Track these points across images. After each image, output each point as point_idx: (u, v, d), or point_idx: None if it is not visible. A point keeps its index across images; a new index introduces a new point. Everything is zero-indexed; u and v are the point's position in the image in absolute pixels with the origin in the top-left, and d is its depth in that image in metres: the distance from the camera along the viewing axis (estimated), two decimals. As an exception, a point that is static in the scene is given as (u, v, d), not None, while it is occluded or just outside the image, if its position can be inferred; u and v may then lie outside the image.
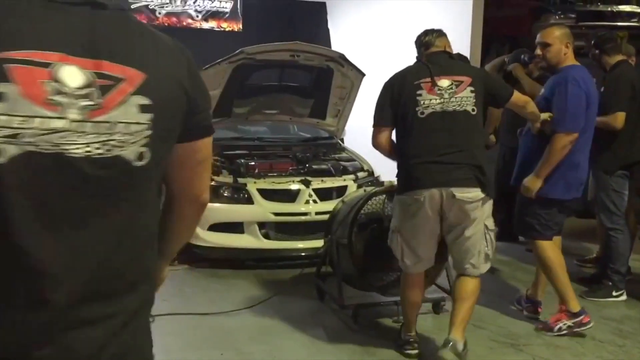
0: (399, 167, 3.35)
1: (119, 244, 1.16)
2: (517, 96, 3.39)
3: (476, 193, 3.12)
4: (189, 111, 1.24)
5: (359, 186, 5.14)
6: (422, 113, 3.15)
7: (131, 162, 1.14)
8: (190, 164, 1.32)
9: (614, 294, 4.35)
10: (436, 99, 3.16)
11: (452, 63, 3.34)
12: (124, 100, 1.11)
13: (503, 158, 5.34)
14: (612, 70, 4.40)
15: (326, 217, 4.44)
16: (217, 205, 4.94)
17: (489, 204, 3.24)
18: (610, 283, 4.37)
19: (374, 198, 4.07)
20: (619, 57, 4.44)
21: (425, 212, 3.14)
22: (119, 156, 1.12)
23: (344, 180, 5.24)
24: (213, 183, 4.95)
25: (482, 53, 6.30)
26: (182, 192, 1.37)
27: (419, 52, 3.43)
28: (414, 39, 3.49)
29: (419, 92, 3.17)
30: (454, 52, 3.58)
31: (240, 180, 4.99)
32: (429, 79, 3.18)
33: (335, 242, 4.01)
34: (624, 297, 4.35)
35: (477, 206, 3.14)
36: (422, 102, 3.16)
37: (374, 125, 3.36)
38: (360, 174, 5.39)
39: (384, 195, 4.10)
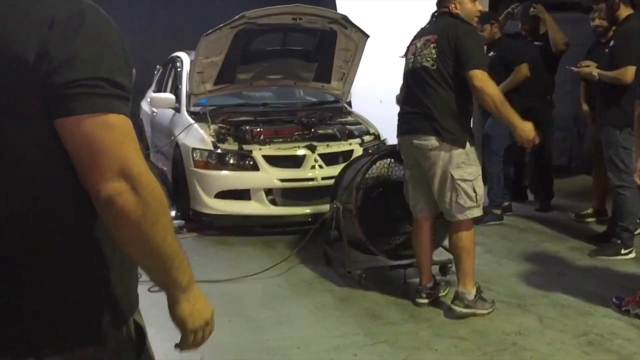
0: None
1: None
2: (478, 75, 3.26)
3: (431, 141, 3.32)
4: (47, 80, 1.08)
5: (365, 150, 5.11)
6: (404, 70, 3.60)
7: None
8: (69, 148, 1.11)
9: (623, 251, 4.33)
10: (411, 58, 3.51)
11: (436, 23, 3.50)
12: None
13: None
14: (623, 24, 4.29)
15: (332, 182, 4.43)
16: (223, 172, 4.95)
17: (454, 154, 3.30)
18: (619, 241, 4.35)
19: (380, 162, 4.05)
20: (630, 10, 4.32)
21: (405, 159, 3.58)
22: None
23: (350, 144, 5.20)
24: (218, 151, 4.95)
25: (490, 8, 6.15)
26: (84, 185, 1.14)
27: None
28: None
29: (407, 52, 3.59)
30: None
31: (246, 147, 4.97)
32: (414, 40, 3.53)
33: (341, 207, 4.01)
34: (632, 255, 4.33)
35: (437, 155, 3.32)
36: (406, 61, 3.58)
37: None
38: (367, 138, 5.35)
39: (390, 159, 4.07)
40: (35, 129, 1.12)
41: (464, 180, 3.33)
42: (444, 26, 3.41)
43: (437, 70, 3.34)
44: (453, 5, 3.44)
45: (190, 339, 1.33)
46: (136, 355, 1.33)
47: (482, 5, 6.20)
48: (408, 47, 3.60)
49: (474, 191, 3.35)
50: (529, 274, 4.12)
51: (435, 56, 3.35)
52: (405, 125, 3.50)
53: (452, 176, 3.32)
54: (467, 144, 3.34)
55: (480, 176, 3.43)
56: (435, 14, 3.54)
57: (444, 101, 3.34)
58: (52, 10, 1.11)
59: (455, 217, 3.40)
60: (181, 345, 1.35)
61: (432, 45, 3.38)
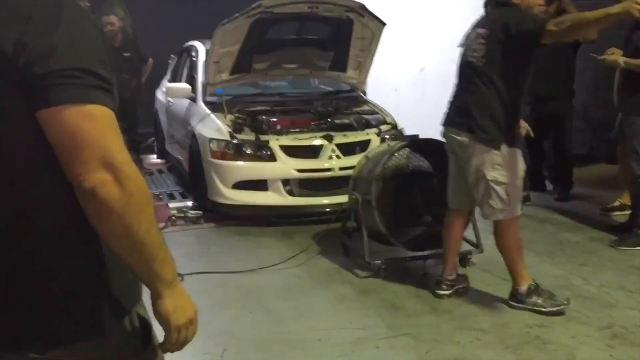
0: None
1: None
2: (551, 28, 3.01)
3: (465, 139, 3.29)
4: (27, 71, 1.08)
5: (382, 140, 5.08)
6: (459, 60, 3.45)
7: None
8: (51, 140, 1.11)
9: (645, 242, 4.28)
10: (463, 49, 3.40)
11: (491, 14, 3.34)
12: None
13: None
14: None
15: (350, 172, 4.40)
16: (240, 163, 4.94)
17: (489, 155, 3.23)
18: (641, 231, 4.30)
19: (398, 152, 4.02)
20: None
21: (447, 149, 3.53)
22: None
23: (367, 134, 5.17)
24: (235, 141, 4.94)
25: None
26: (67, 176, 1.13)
27: None
28: None
29: (463, 41, 3.46)
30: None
31: (263, 137, 4.96)
32: (470, 30, 3.41)
33: (360, 198, 3.99)
34: (655, 246, 4.28)
35: (471, 152, 3.28)
36: (460, 51, 3.44)
37: None
38: (384, 127, 5.31)
39: (408, 149, 4.04)
40: (19, 122, 1.12)
41: (498, 183, 3.25)
42: (496, 18, 3.24)
43: (483, 68, 3.23)
44: None
45: (173, 337, 1.29)
46: (142, 348, 1.33)
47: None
48: (465, 36, 3.47)
49: (507, 194, 3.27)
50: (549, 265, 4.09)
51: (483, 53, 3.23)
52: (446, 117, 3.47)
53: (485, 176, 3.26)
54: (504, 146, 3.24)
55: (520, 179, 3.35)
56: (492, 2, 3.35)
57: (485, 100, 3.24)
58: (29, 3, 1.11)
59: (486, 216, 3.40)
60: (164, 345, 1.32)
61: (481, 41, 3.25)
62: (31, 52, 1.08)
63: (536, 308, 3.35)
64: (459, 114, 3.34)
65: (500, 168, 3.25)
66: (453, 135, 3.37)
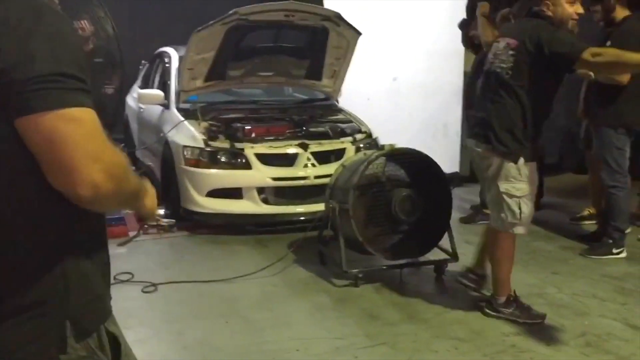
0: None
1: None
2: (586, 57, 2.97)
3: (483, 150, 3.29)
4: (3, 79, 1.05)
5: (357, 149, 5.09)
6: (484, 68, 3.42)
7: None
8: (34, 148, 1.08)
9: (614, 251, 4.37)
10: (490, 58, 3.34)
11: (521, 24, 3.30)
12: None
13: None
14: (620, 25, 4.31)
15: (325, 180, 4.41)
16: (214, 171, 4.89)
17: (505, 167, 3.20)
18: (611, 240, 4.39)
19: (375, 161, 4.03)
20: (626, 12, 4.33)
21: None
22: None
23: (342, 142, 5.18)
24: (209, 149, 4.89)
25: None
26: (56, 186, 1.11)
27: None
28: None
29: (490, 49, 3.43)
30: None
31: (237, 145, 4.92)
32: (498, 39, 3.36)
33: (337, 207, 3.98)
34: (624, 254, 4.38)
35: (488, 164, 3.28)
36: (487, 59, 3.41)
37: None
38: (358, 136, 5.33)
39: (384, 158, 4.05)
40: None
41: (510, 196, 3.23)
42: (527, 29, 3.14)
43: (509, 79, 3.16)
44: (545, 6, 3.17)
45: (147, 217, 1.53)
46: None
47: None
48: (492, 44, 3.40)
49: (519, 208, 3.24)
50: (522, 274, 4.13)
51: (511, 64, 3.15)
52: (469, 129, 3.51)
53: (498, 188, 3.25)
54: (521, 160, 3.19)
55: (530, 194, 3.28)
56: (525, 7, 3.30)
57: (507, 112, 3.18)
58: (6, 12, 1.09)
59: (496, 228, 3.38)
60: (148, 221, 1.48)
61: (510, 52, 3.17)
62: (8, 59, 1.05)
63: (512, 318, 3.38)
64: (479, 124, 3.33)
65: (514, 181, 3.21)
66: (472, 147, 3.38)
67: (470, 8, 5.21)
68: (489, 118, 3.24)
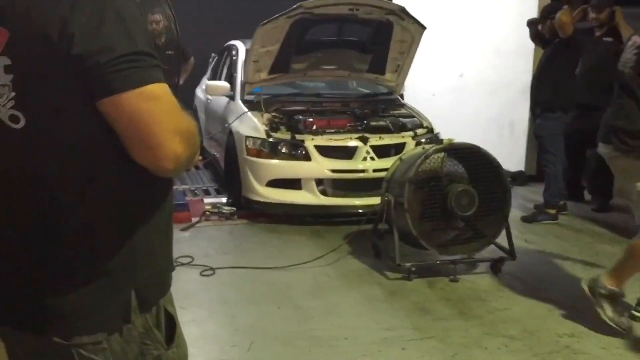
0: None
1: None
2: None
3: (608, 150, 3.21)
4: (80, 64, 1.08)
5: (418, 143, 5.06)
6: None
7: (6, 124, 1.14)
8: (118, 127, 1.13)
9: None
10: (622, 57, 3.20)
11: None
12: None
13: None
14: None
15: (383, 174, 4.40)
16: (274, 161, 4.98)
17: (634, 165, 3.07)
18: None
19: (433, 156, 4.01)
20: None
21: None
22: None
23: (402, 137, 5.16)
24: (271, 139, 4.99)
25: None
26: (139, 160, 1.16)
27: None
28: None
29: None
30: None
31: (298, 136, 4.99)
32: (632, 37, 3.19)
33: (393, 200, 3.99)
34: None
35: (616, 164, 3.22)
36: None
37: None
38: (419, 131, 5.29)
39: (443, 153, 4.02)
40: (72, 110, 1.13)
41: None
42: None
43: (628, 79, 3.09)
44: None
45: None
46: (165, 346, 1.33)
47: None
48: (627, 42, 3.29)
49: None
50: (583, 276, 3.99)
51: (633, 63, 3.06)
52: (599, 129, 3.34)
53: (634, 187, 3.09)
54: None
55: None
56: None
57: (626, 111, 3.11)
58: None
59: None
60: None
61: (635, 51, 3.06)
62: (84, 44, 1.08)
63: (597, 309, 3.20)
64: (605, 124, 3.26)
65: None
66: (601, 149, 3.28)
67: (549, 11, 5.17)
68: (611, 118, 3.18)
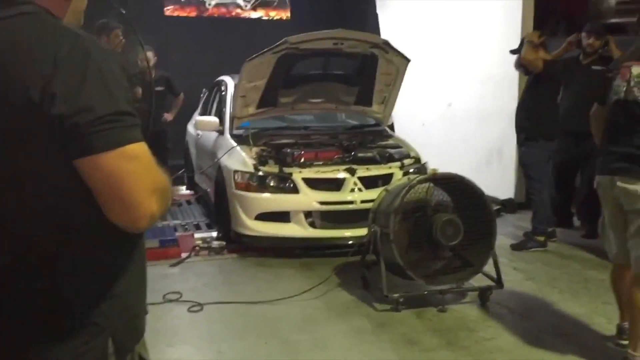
0: None
1: None
2: None
3: (638, 186, 2.91)
4: (60, 124, 1.09)
5: (405, 173, 5.10)
6: (612, 99, 3.06)
7: None
8: (94, 186, 1.13)
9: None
10: (623, 86, 3.00)
11: None
12: None
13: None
14: None
15: (371, 205, 4.42)
16: (263, 195, 5.01)
17: None
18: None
19: (419, 185, 4.04)
20: None
21: (603, 200, 3.14)
22: None
23: (390, 167, 5.20)
24: (259, 173, 5.03)
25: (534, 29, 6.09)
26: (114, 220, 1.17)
27: None
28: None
29: (616, 74, 3.05)
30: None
31: (286, 169, 5.03)
32: (629, 62, 3.01)
33: (379, 231, 4.00)
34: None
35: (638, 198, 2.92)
36: (614, 87, 3.04)
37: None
38: (407, 161, 5.33)
39: (428, 184, 4.05)
40: (51, 169, 1.14)
41: None
42: None
43: None
44: None
45: None
46: None
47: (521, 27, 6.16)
48: (617, 68, 3.07)
49: None
50: (571, 303, 4.02)
51: None
52: (609, 165, 3.05)
53: None
54: None
55: None
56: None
57: None
58: (53, 47, 1.11)
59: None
60: None
61: None
62: (65, 104, 1.08)
63: None
64: (628, 159, 2.95)
65: None
66: (622, 185, 2.95)
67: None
68: (636, 150, 2.93)
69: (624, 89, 2.99)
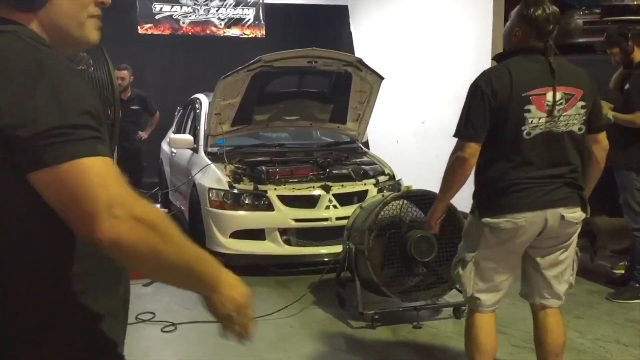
0: (482, 187, 2.85)
1: None
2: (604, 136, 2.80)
3: (578, 213, 2.68)
4: (3, 137, 1.06)
5: (380, 190, 5.13)
6: (529, 134, 2.58)
7: None
8: (50, 200, 1.09)
9: (642, 295, 4.22)
10: (541, 117, 2.57)
11: (568, 67, 2.67)
12: None
13: None
14: (638, 67, 4.28)
15: (347, 222, 4.44)
16: (238, 212, 4.99)
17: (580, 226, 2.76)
18: (637, 284, 4.27)
19: (393, 202, 4.06)
20: None
21: (521, 237, 2.69)
22: None
23: (364, 184, 5.23)
24: (234, 191, 5.01)
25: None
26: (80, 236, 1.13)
27: (526, 36, 2.63)
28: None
29: (527, 107, 2.56)
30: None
31: (261, 187, 5.03)
32: (542, 91, 2.57)
33: (354, 248, 4.01)
34: (651, 299, 4.24)
35: (577, 228, 2.73)
36: (530, 121, 2.57)
37: (459, 137, 2.81)
38: (381, 178, 5.37)
39: (402, 200, 4.08)
40: (5, 185, 1.10)
41: (578, 256, 2.86)
42: (581, 74, 2.68)
43: (582, 136, 2.67)
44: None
45: (226, 325, 1.32)
46: None
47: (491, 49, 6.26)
48: (522, 100, 2.56)
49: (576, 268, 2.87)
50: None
51: (584, 118, 2.63)
52: (546, 196, 2.63)
53: (576, 251, 2.81)
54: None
55: None
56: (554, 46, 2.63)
57: (581, 169, 2.73)
58: (11, 62, 1.10)
59: (562, 298, 2.88)
60: (224, 334, 1.33)
61: (579, 104, 2.61)
62: (9, 117, 1.05)
63: None
64: (566, 187, 2.67)
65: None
66: (569, 215, 2.65)
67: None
68: (575, 178, 2.69)
69: None
